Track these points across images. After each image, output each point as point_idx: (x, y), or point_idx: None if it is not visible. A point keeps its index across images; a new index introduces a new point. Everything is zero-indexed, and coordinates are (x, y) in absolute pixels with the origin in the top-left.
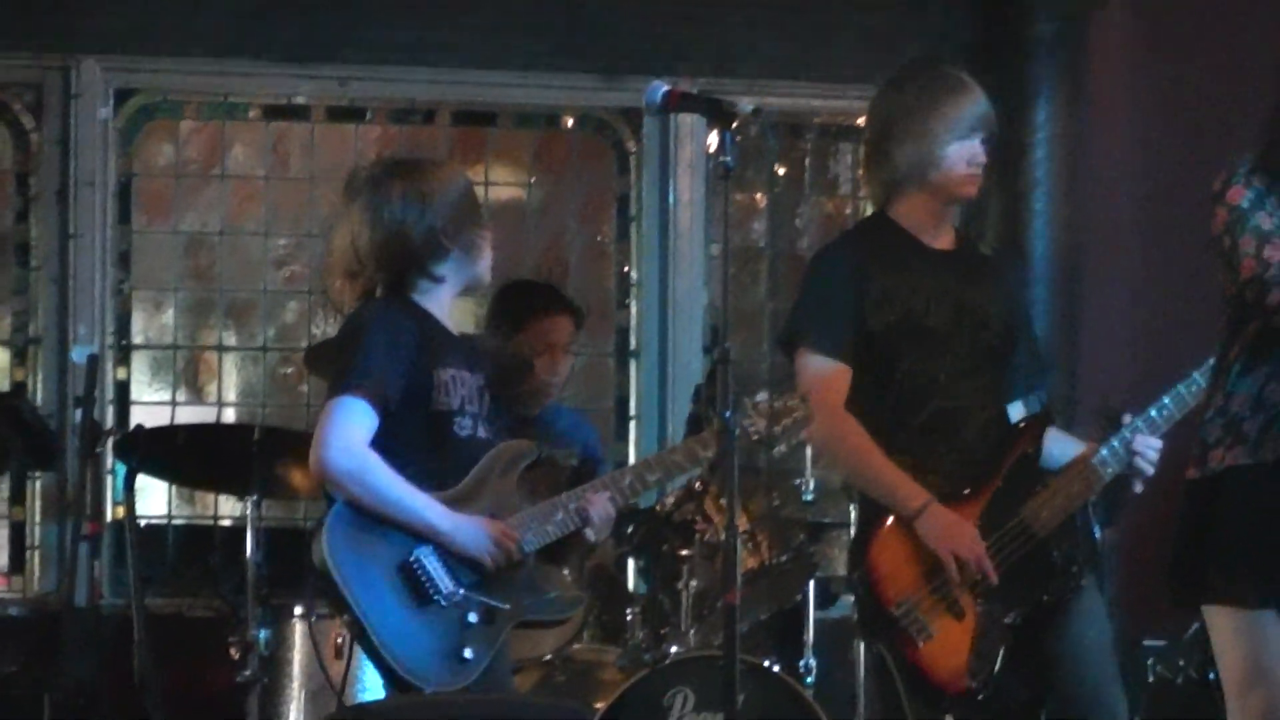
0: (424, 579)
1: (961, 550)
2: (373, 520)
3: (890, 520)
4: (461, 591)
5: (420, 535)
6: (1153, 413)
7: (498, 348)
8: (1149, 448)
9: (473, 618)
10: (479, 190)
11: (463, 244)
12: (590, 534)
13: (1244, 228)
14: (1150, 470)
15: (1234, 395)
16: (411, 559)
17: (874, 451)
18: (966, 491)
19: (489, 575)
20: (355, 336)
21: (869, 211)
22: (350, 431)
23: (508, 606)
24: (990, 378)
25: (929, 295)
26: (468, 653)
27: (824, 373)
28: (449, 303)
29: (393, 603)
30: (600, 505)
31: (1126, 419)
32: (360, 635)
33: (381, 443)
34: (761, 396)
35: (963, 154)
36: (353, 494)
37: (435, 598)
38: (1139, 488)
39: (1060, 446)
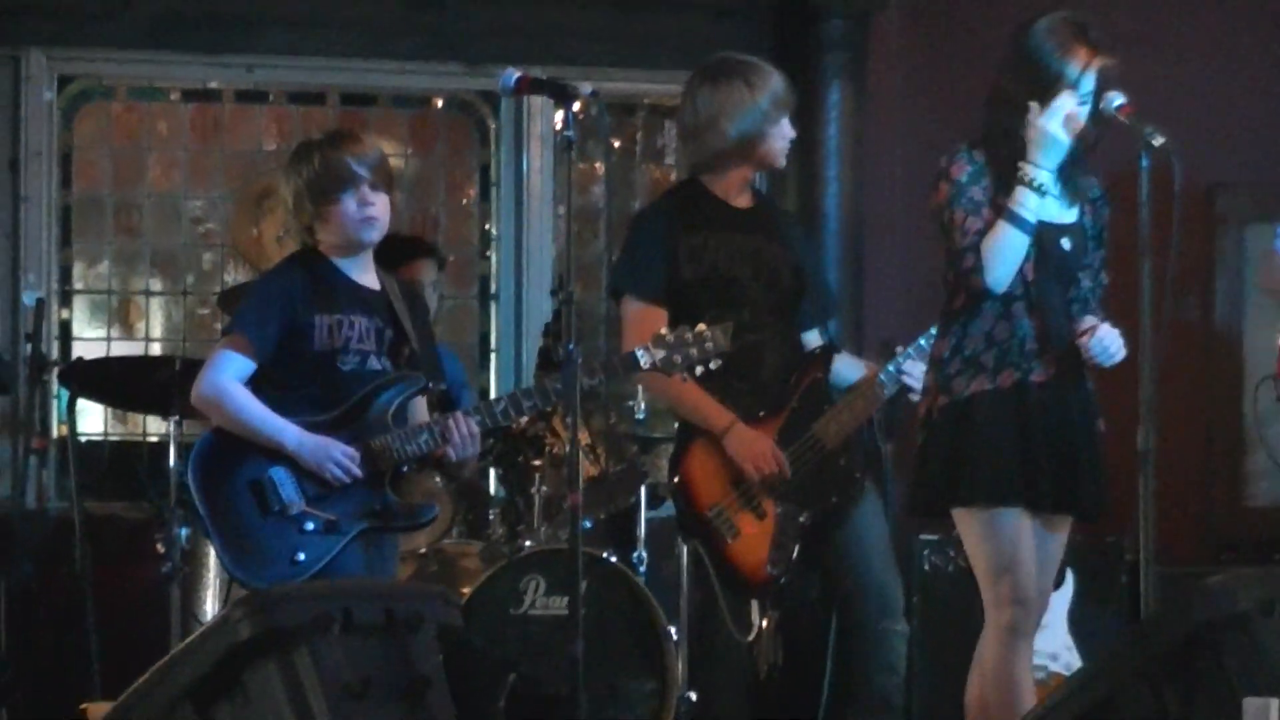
0: (269, 491)
1: (761, 463)
2: (239, 444)
3: (701, 438)
4: (303, 503)
5: (275, 453)
6: (921, 342)
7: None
8: (916, 369)
9: (310, 526)
10: None
11: (314, 215)
12: (451, 452)
13: (959, 201)
14: (918, 387)
15: (968, 336)
16: (264, 475)
17: (687, 380)
18: (763, 413)
19: (339, 490)
20: (249, 290)
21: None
22: (217, 371)
23: (348, 518)
24: (786, 316)
25: (732, 249)
26: (300, 555)
27: (643, 314)
28: (348, 257)
29: (238, 511)
30: (462, 427)
31: (899, 349)
32: (207, 536)
33: (275, 375)
34: (663, 330)
35: (782, 130)
36: (217, 419)
37: (276, 508)
38: (917, 396)
39: (848, 369)
